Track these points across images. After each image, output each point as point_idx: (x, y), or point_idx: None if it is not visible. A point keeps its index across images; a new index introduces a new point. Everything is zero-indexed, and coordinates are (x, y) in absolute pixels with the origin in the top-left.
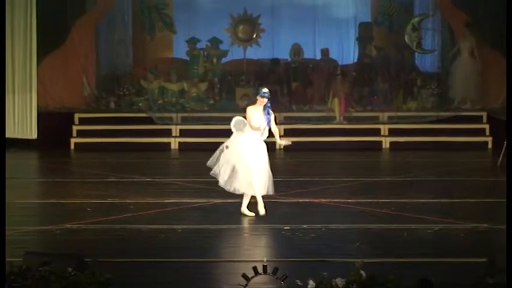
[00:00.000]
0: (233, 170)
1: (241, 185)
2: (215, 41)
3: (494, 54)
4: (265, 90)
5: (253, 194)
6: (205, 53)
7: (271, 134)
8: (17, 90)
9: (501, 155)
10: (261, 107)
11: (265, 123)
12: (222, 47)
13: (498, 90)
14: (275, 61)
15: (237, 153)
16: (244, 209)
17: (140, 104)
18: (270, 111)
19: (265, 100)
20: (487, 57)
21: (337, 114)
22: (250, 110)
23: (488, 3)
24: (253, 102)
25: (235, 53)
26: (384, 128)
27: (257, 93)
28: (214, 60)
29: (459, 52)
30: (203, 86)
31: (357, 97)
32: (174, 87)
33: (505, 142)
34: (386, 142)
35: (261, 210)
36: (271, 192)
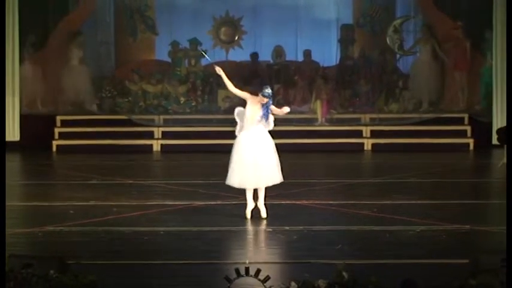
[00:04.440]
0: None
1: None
2: (195, 42)
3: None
4: (268, 90)
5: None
6: (188, 55)
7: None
8: None
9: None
10: (259, 104)
11: (260, 117)
12: (203, 48)
13: (458, 93)
14: (254, 56)
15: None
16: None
17: (122, 106)
18: (270, 110)
19: (265, 99)
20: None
21: (319, 116)
22: (248, 100)
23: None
24: (236, 103)
25: (218, 55)
26: (366, 130)
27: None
28: (193, 61)
29: (419, 54)
30: (185, 88)
31: (339, 99)
32: (155, 89)
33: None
34: (368, 144)
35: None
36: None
